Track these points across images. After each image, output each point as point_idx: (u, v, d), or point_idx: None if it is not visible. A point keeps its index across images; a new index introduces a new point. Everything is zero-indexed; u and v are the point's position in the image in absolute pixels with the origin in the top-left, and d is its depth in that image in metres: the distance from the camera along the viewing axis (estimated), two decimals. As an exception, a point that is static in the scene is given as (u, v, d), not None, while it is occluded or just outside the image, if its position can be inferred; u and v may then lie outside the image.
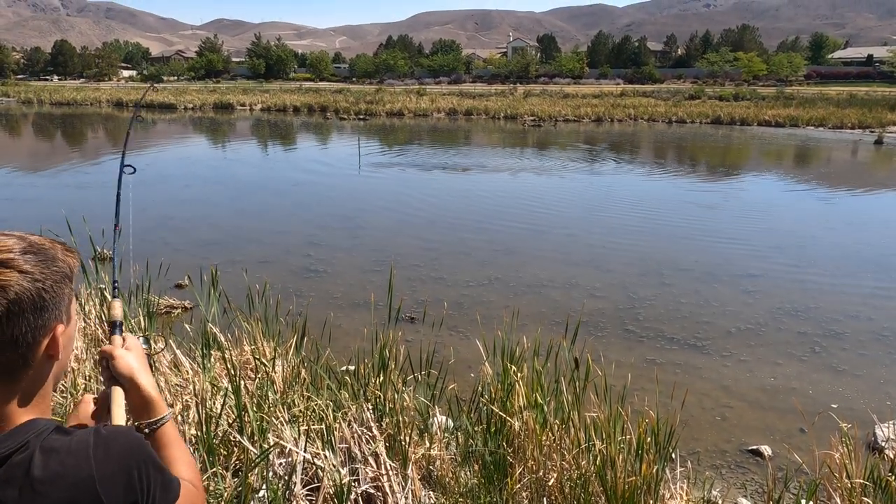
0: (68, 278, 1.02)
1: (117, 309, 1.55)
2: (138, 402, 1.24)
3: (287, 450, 3.00)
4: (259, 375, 3.72)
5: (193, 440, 3.03)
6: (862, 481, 2.88)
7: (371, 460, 2.95)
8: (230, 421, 3.22)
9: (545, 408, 3.22)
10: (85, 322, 4.58)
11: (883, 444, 4.20)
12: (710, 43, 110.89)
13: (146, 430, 1.22)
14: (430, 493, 3.04)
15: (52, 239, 1.05)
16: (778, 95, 49.53)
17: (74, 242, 5.25)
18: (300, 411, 3.30)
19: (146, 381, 1.25)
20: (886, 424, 4.38)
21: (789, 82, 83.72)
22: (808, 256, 9.33)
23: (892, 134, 28.27)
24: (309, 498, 2.86)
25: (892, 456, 3.32)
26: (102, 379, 1.32)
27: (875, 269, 8.68)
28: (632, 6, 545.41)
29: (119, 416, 1.25)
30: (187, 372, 3.71)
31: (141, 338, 1.47)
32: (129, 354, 1.28)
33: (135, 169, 2.00)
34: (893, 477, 2.90)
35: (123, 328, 1.47)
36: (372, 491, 2.89)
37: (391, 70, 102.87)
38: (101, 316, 4.62)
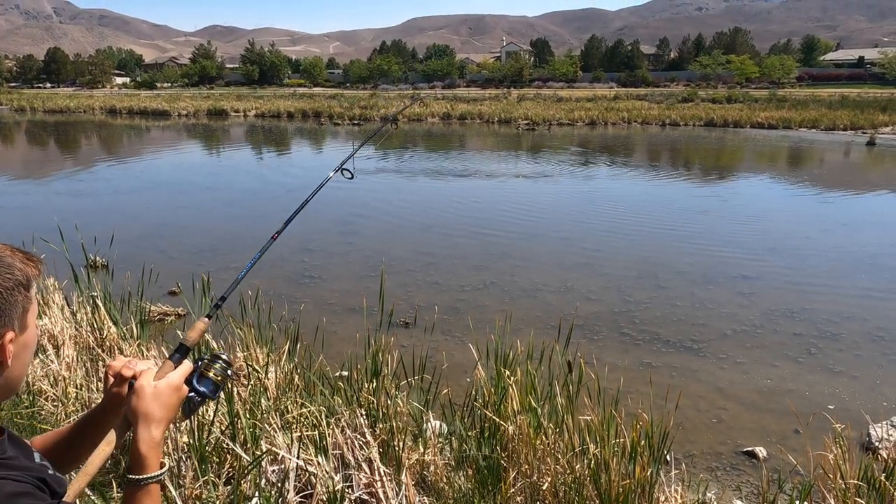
0: (23, 286, 1.00)
1: (194, 330, 1.32)
2: (132, 450, 1.15)
3: (280, 457, 2.98)
4: (252, 382, 3.71)
5: (186, 448, 3.01)
6: (856, 482, 2.87)
7: (364, 466, 2.94)
8: (223, 428, 3.20)
9: (539, 412, 3.21)
10: (76, 330, 4.55)
11: (877, 444, 4.21)
12: (703, 46, 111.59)
13: (126, 481, 1.14)
14: (424, 498, 3.02)
15: (14, 247, 1.03)
16: (770, 98, 49.75)
17: (66, 250, 5.23)
18: (293, 417, 3.28)
19: (146, 435, 1.14)
20: (880, 424, 4.39)
21: (781, 84, 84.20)
22: (802, 258, 9.36)
23: (884, 135, 28.42)
24: (302, 505, 2.84)
25: (885, 456, 3.32)
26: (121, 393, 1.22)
27: (870, 270, 8.71)
28: (624, 10, 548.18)
29: (97, 458, 1.15)
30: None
31: (220, 361, 1.27)
32: (150, 396, 1.16)
33: (353, 175, 1.88)
34: (886, 476, 2.90)
35: (189, 356, 1.27)
36: (365, 497, 2.87)
37: (385, 75, 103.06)
38: (92, 324, 4.59)
